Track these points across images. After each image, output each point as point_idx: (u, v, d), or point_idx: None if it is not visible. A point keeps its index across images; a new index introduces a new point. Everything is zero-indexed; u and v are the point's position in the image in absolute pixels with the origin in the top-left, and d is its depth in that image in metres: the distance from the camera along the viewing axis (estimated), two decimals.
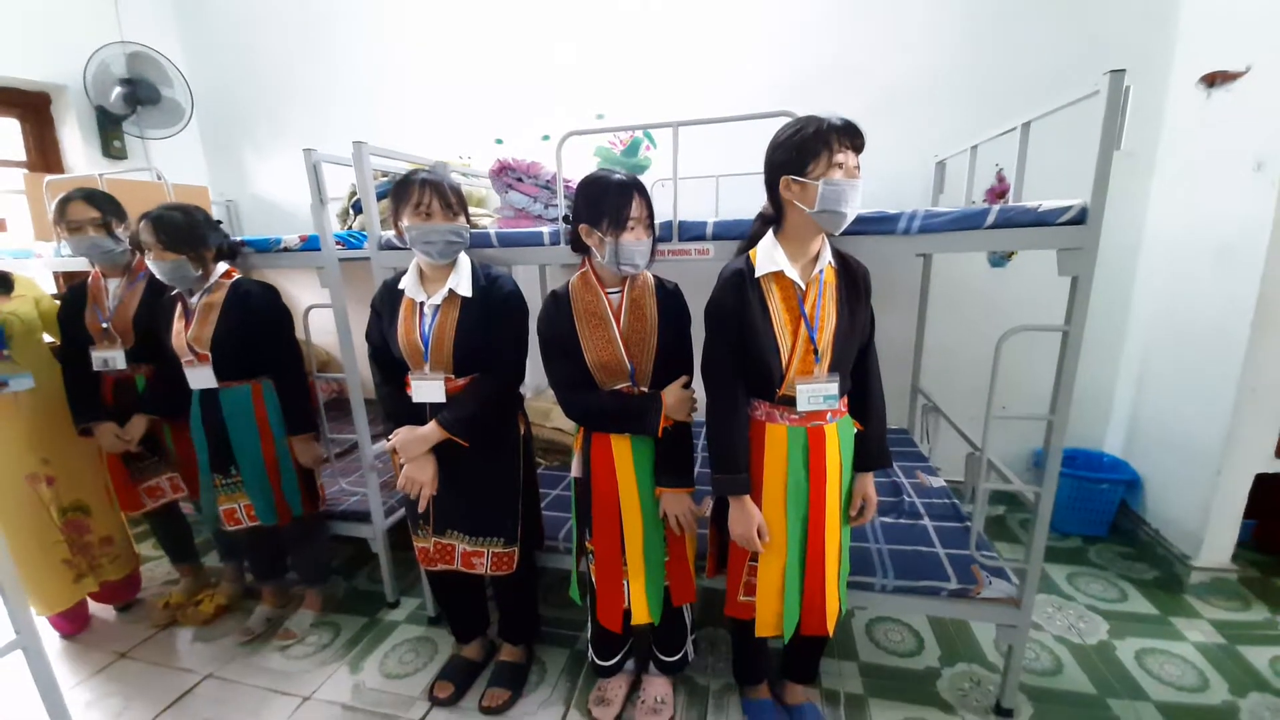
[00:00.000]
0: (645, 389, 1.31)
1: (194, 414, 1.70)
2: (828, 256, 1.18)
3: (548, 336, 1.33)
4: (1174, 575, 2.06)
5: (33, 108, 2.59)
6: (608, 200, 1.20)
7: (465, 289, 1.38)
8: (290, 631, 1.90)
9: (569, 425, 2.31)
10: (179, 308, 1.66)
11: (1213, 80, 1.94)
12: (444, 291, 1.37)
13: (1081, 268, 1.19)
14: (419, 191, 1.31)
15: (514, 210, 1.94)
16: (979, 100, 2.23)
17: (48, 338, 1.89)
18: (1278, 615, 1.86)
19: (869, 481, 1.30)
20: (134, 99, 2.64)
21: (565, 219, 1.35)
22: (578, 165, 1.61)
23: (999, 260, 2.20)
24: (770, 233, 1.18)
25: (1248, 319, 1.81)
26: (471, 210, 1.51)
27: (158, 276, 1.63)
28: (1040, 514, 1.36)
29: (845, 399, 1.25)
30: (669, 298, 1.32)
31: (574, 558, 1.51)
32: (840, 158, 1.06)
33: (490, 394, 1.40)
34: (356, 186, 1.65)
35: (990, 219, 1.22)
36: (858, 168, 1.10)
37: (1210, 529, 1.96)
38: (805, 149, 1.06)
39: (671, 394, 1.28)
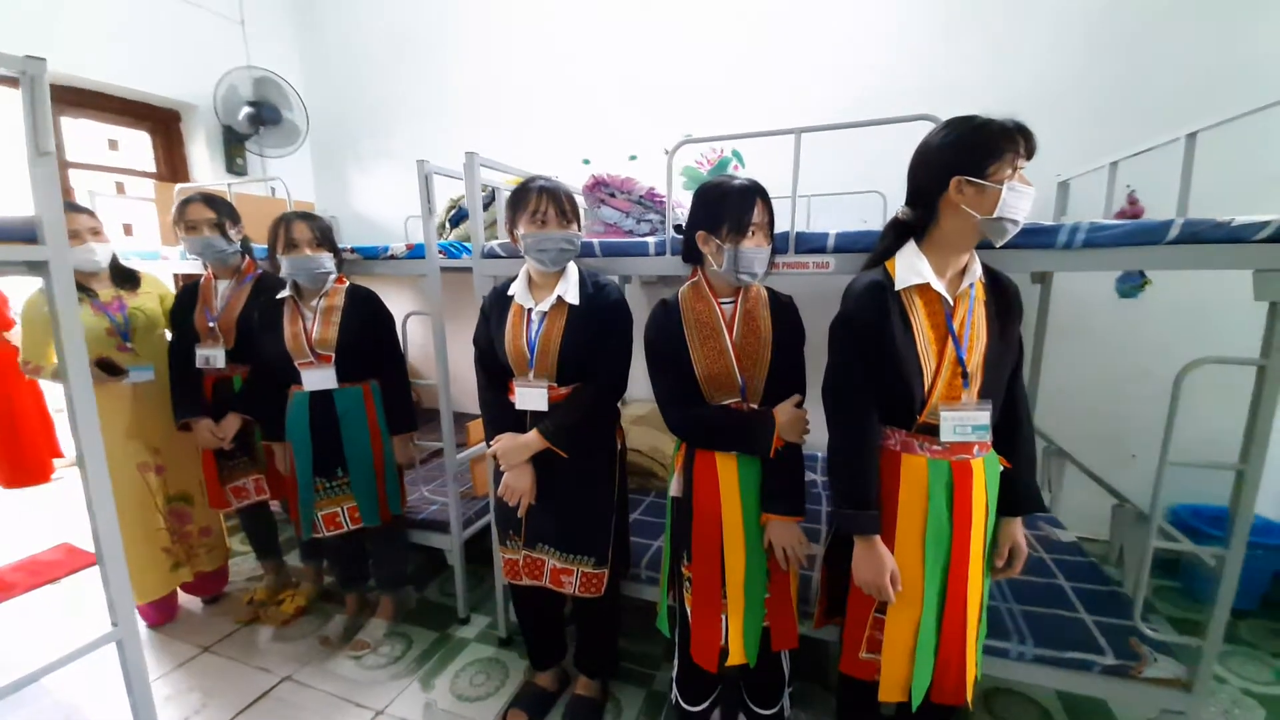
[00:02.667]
0: (755, 406, 1.22)
1: (297, 417, 1.71)
2: (978, 270, 1.06)
3: (656, 346, 1.27)
4: None
5: (163, 123, 2.83)
6: (729, 205, 1.14)
7: (573, 297, 1.35)
8: (364, 642, 1.88)
9: (646, 446, 2.23)
10: (290, 310, 1.71)
11: None
12: (552, 299, 1.35)
13: None
14: (536, 199, 1.30)
15: (604, 225, 1.92)
16: (1105, 116, 2.05)
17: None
18: None
19: (1018, 528, 1.14)
20: (258, 119, 2.85)
21: (678, 228, 1.30)
22: (661, 184, 1.55)
23: (1130, 290, 1.97)
24: (912, 243, 1.08)
25: None
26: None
27: (294, 274, 1.65)
28: (1225, 583, 1.16)
29: (991, 432, 1.11)
30: (783, 310, 1.24)
31: (663, 586, 1.40)
32: (1021, 162, 0.96)
33: (591, 404, 1.35)
34: (466, 196, 1.66)
35: (1174, 232, 1.06)
36: None
37: None
38: (989, 148, 0.96)
39: (785, 412, 1.19)
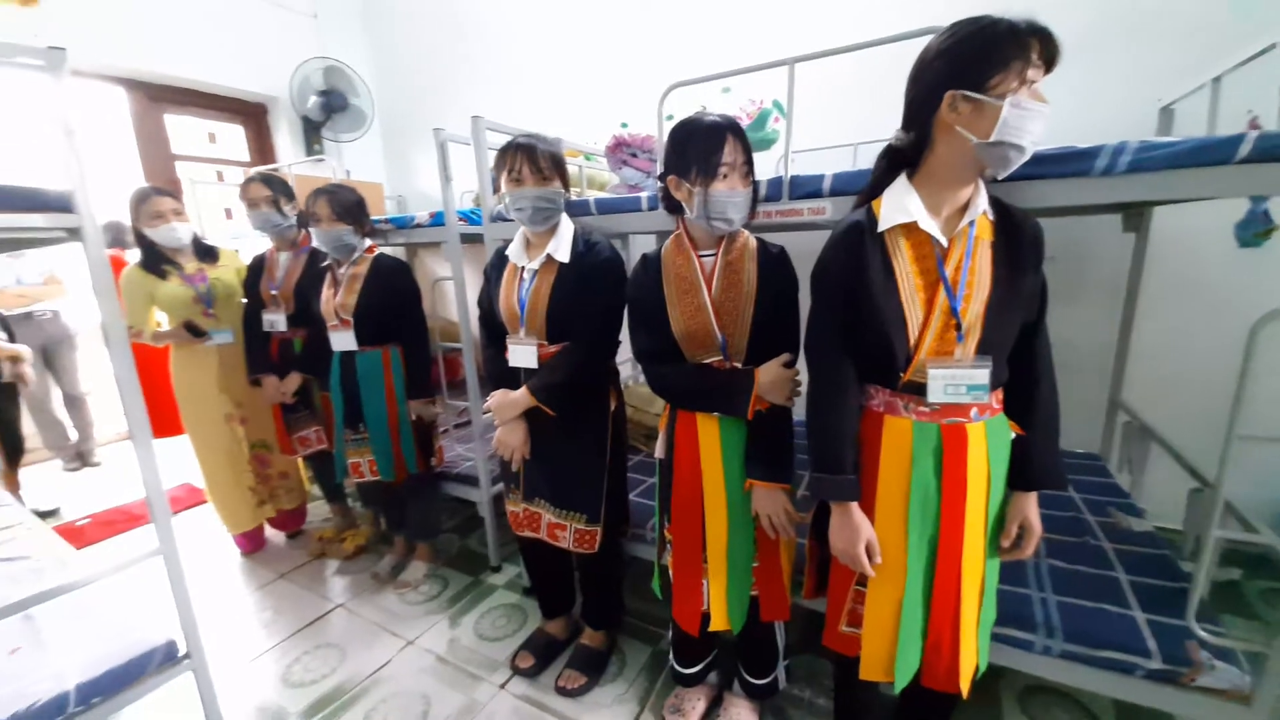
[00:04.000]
0: (739, 365, 1.15)
1: (333, 374, 1.90)
2: (982, 205, 0.91)
3: (634, 303, 1.23)
4: None
5: (253, 116, 3.16)
6: (696, 144, 1.06)
7: (563, 255, 1.34)
8: (406, 581, 2.06)
9: (658, 408, 2.20)
10: (329, 277, 1.87)
11: None
12: (542, 256, 1.35)
13: None
14: (512, 157, 1.29)
15: (627, 187, 1.89)
16: (1219, 29, 1.65)
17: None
18: None
19: (1031, 504, 0.99)
20: (328, 107, 3.10)
21: (660, 176, 1.23)
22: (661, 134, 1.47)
23: (1252, 239, 1.60)
24: (903, 176, 0.95)
25: None
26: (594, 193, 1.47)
27: (321, 245, 1.82)
28: None
29: (999, 393, 0.97)
30: (772, 261, 1.13)
31: (658, 548, 1.39)
32: (1033, 74, 0.80)
33: (577, 363, 1.34)
34: (475, 161, 1.70)
35: (1245, 150, 0.84)
36: None
37: None
38: (991, 54, 0.80)
39: (768, 372, 1.10)
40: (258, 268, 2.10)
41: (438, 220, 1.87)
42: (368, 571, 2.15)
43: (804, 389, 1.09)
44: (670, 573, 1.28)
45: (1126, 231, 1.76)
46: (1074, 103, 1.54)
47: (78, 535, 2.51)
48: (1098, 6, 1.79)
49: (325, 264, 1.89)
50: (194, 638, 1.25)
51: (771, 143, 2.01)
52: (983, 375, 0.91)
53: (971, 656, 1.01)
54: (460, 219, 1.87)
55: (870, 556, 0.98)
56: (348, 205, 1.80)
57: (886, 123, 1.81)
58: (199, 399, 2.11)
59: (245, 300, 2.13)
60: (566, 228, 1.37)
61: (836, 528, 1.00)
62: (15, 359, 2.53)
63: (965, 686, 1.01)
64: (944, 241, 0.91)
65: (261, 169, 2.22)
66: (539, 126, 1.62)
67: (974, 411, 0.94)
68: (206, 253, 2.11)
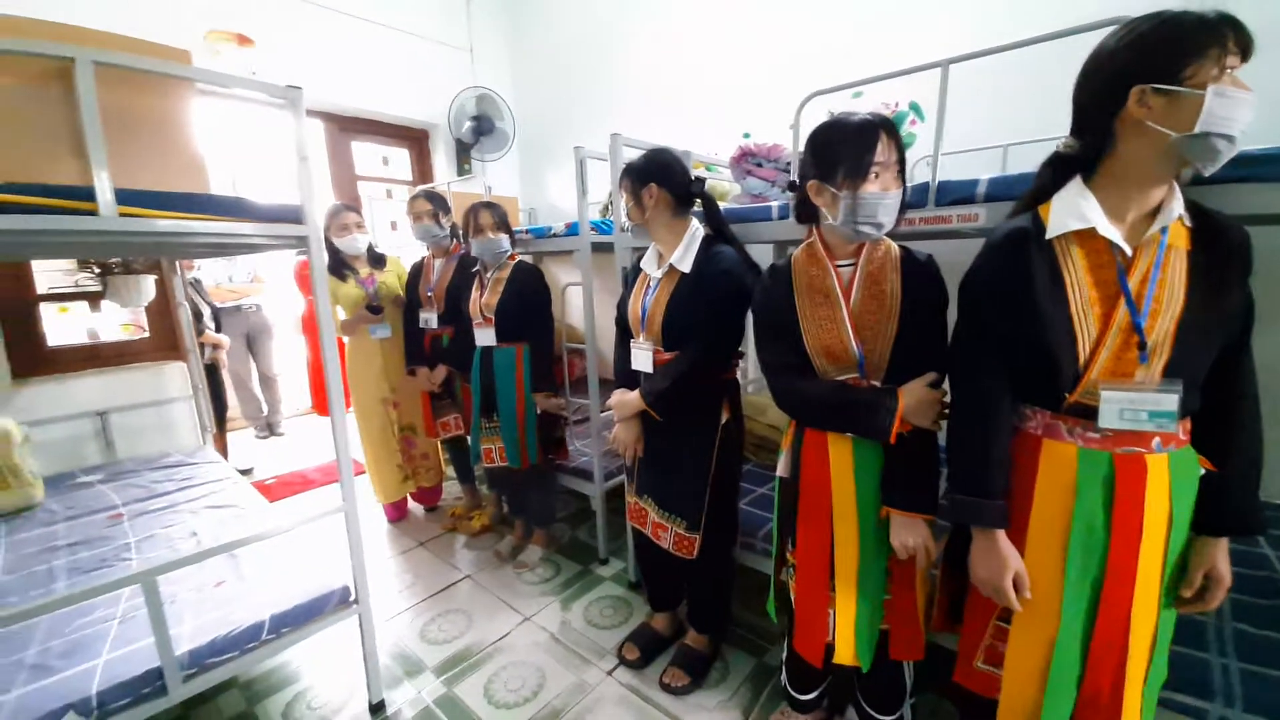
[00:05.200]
0: (878, 383, 1.08)
1: (474, 367, 2.12)
2: (1178, 209, 0.81)
3: (762, 314, 1.21)
4: None
5: (415, 140, 3.60)
6: (845, 144, 1.00)
7: (685, 265, 1.38)
8: (524, 562, 2.23)
9: (783, 423, 2.16)
10: (477, 280, 2.09)
11: None
12: (666, 265, 1.41)
13: None
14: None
15: (751, 197, 1.90)
16: None
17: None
18: None
19: (1220, 551, 0.86)
20: (478, 131, 3.45)
21: (791, 185, 1.22)
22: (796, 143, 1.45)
23: None
24: (1078, 179, 0.87)
25: None
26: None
27: (480, 253, 2.03)
28: None
29: (1187, 422, 0.85)
30: (919, 272, 1.06)
31: (773, 566, 1.35)
32: (1232, 61, 0.72)
33: (684, 371, 1.36)
34: (611, 175, 1.82)
35: None
36: None
37: None
38: (1184, 43, 0.73)
39: (913, 392, 1.03)
40: (416, 272, 2.41)
41: (573, 230, 2.03)
42: (490, 549, 2.35)
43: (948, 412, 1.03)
44: (792, 596, 1.25)
45: None
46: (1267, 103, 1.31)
47: (265, 492, 3.02)
48: None
49: (474, 269, 2.11)
50: (363, 586, 1.46)
51: (909, 146, 1.91)
52: (1170, 401, 0.81)
53: (1135, 716, 0.89)
54: (591, 229, 2.00)
55: (1018, 590, 0.90)
56: (504, 217, 2.02)
57: (1036, 123, 1.66)
58: (363, 384, 2.45)
59: (406, 300, 2.44)
60: (695, 236, 1.42)
61: (980, 556, 0.94)
62: (217, 345, 3.11)
63: None
64: (1128, 250, 0.82)
65: (424, 187, 2.54)
66: (665, 141, 1.70)
67: (1156, 441, 0.83)
68: (377, 260, 2.46)
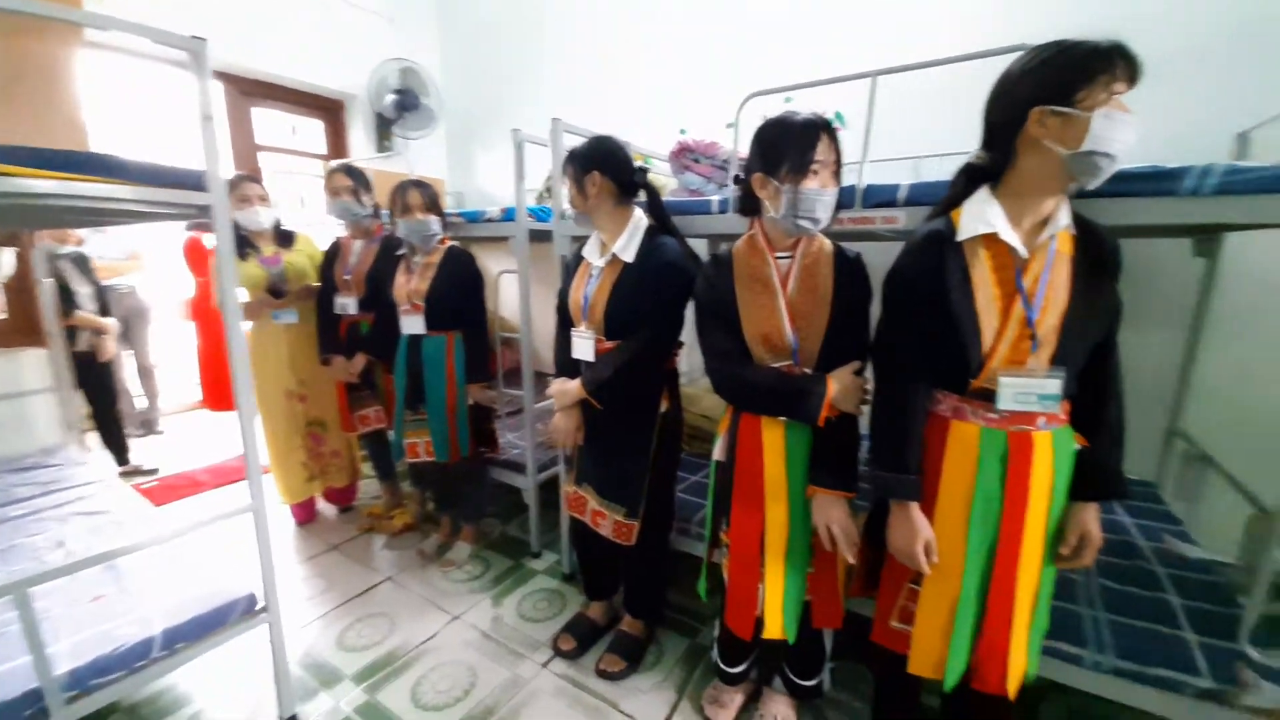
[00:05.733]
0: (810, 370, 1.15)
1: (399, 356, 2.00)
2: (1065, 220, 0.94)
3: (704, 301, 1.25)
4: None
5: (330, 111, 3.34)
6: (790, 140, 1.06)
7: (628, 255, 1.39)
8: (451, 560, 2.14)
9: (716, 413, 2.24)
10: (403, 264, 1.98)
11: None
12: (609, 255, 1.41)
13: None
14: None
15: (688, 191, 1.95)
16: None
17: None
18: None
19: (1092, 515, 1.01)
20: (401, 106, 3.25)
21: (736, 179, 1.27)
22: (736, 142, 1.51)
23: None
24: (985, 188, 0.98)
25: None
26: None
27: (407, 235, 1.91)
28: None
29: (1067, 404, 0.98)
30: (849, 267, 1.15)
31: (706, 549, 1.41)
32: (1118, 87, 0.83)
33: (627, 360, 1.37)
34: (551, 161, 1.78)
35: None
36: None
37: None
38: (1076, 70, 0.84)
39: (840, 379, 1.10)
40: (333, 253, 2.23)
41: (509, 216, 1.96)
42: (413, 549, 2.24)
43: (870, 396, 1.12)
44: (725, 575, 1.30)
45: (1197, 256, 1.74)
46: (1149, 127, 1.54)
47: (148, 497, 2.68)
48: (1175, 34, 1.77)
49: (400, 252, 2.00)
50: (272, 593, 1.34)
51: None
52: (1055, 386, 0.93)
53: (1021, 661, 1.03)
54: (528, 215, 1.95)
55: (928, 555, 1.00)
56: (434, 198, 1.92)
57: (946, 137, 1.82)
58: (265, 375, 2.24)
59: (320, 283, 2.26)
60: (639, 226, 1.43)
61: (896, 526, 1.03)
62: (99, 330, 2.72)
63: (1014, 689, 1.02)
64: (1024, 253, 0.93)
65: (341, 161, 2.35)
66: (601, 130, 1.70)
67: (1041, 420, 0.96)
68: (285, 238, 2.25)
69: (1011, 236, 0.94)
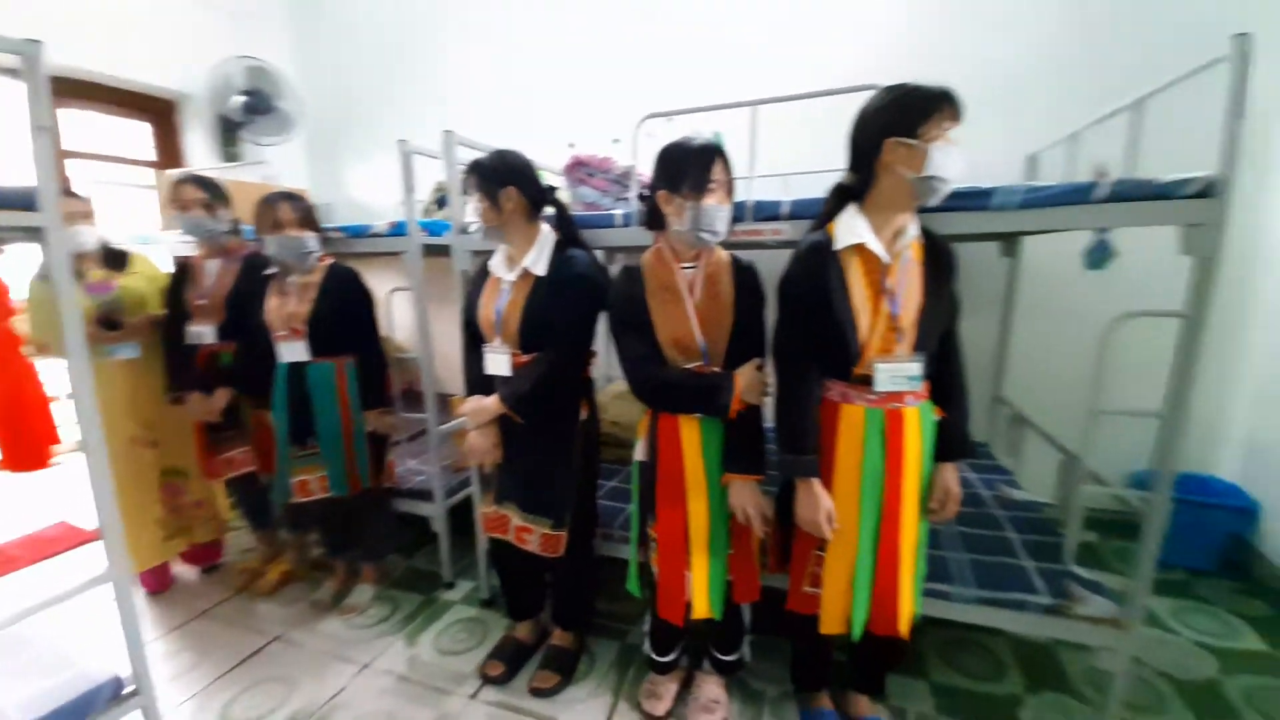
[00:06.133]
0: (718, 369, 1.26)
1: (277, 387, 1.80)
2: (914, 231, 1.13)
3: (619, 311, 1.31)
4: None
5: (160, 113, 2.90)
6: (689, 162, 1.18)
7: (540, 268, 1.40)
8: (352, 605, 1.96)
9: (626, 420, 2.30)
10: (275, 285, 1.78)
11: None
12: (519, 269, 1.41)
13: (1208, 246, 1.08)
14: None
15: (584, 205, 1.99)
16: (1076, 90, 2.08)
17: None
18: None
19: (952, 473, 1.21)
20: (251, 109, 2.92)
21: (641, 196, 1.35)
22: (643, 166, 1.60)
23: (1098, 262, 2.02)
24: (853, 205, 1.14)
25: None
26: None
27: (279, 254, 1.72)
28: (1151, 523, 1.23)
29: (927, 384, 1.18)
30: (745, 275, 1.27)
31: (633, 548, 1.46)
32: (948, 124, 1.02)
33: (546, 373, 1.38)
34: (446, 174, 1.73)
35: (1102, 192, 1.13)
36: None
37: None
38: (917, 109, 1.02)
39: (745, 375, 1.22)
40: (181, 275, 1.95)
41: (399, 230, 1.86)
42: (304, 601, 2.01)
43: (772, 389, 1.25)
44: (654, 569, 1.36)
45: (1003, 256, 2.16)
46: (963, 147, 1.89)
47: None
48: (976, 73, 2.19)
49: (269, 272, 1.80)
50: (142, 672, 1.15)
51: None
52: (917, 368, 1.12)
53: (909, 604, 1.20)
54: (422, 230, 1.87)
55: (830, 523, 1.14)
56: (309, 212, 1.76)
57: (813, 155, 2.05)
58: (103, 421, 1.89)
59: (166, 310, 1.96)
60: (547, 240, 1.44)
61: (802, 501, 1.16)
62: None
63: (905, 629, 1.19)
64: (887, 259, 1.11)
65: (185, 170, 2.07)
66: (474, 133, 1.69)
67: (909, 398, 1.14)
68: (115, 259, 1.93)
69: (876, 245, 1.11)
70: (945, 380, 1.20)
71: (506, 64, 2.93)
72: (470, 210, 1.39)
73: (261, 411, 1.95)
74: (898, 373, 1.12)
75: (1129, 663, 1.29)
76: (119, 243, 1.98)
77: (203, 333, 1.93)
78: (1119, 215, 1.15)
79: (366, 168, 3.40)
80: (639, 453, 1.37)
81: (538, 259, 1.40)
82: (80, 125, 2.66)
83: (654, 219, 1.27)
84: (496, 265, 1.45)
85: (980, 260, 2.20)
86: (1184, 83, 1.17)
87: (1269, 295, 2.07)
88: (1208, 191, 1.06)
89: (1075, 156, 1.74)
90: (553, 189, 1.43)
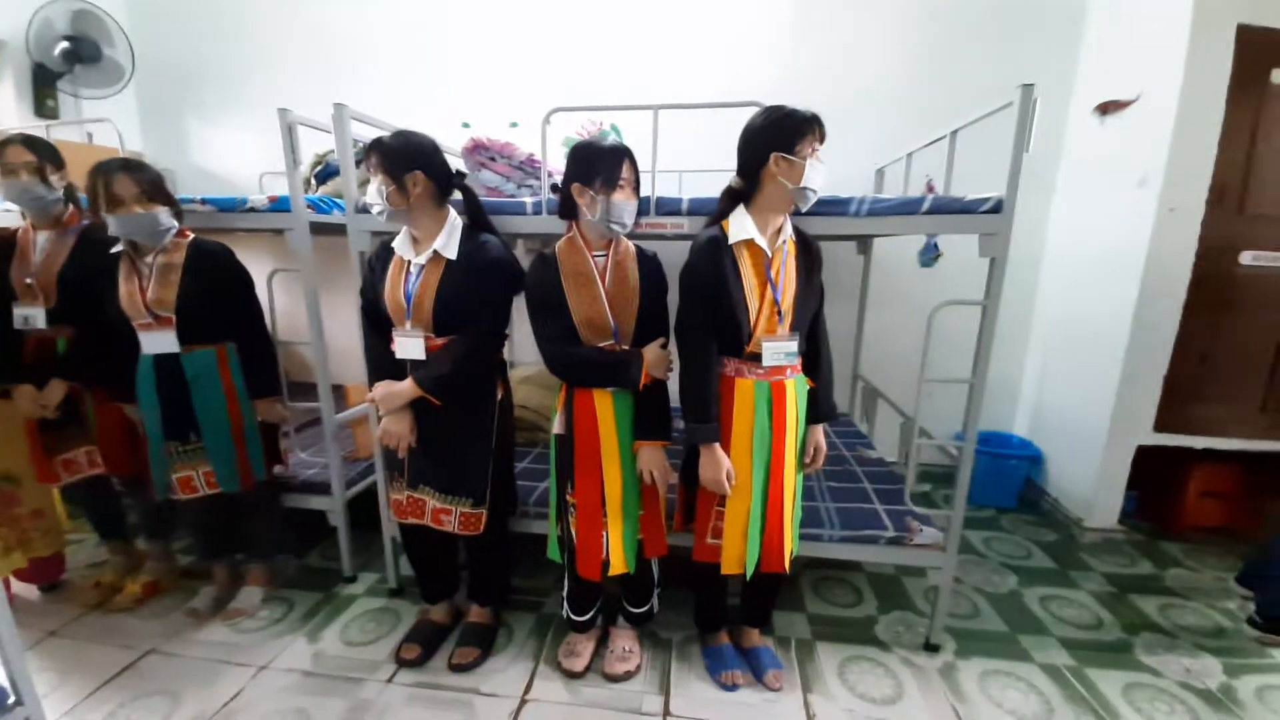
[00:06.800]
0: (627, 347, 1.39)
1: (143, 380, 1.63)
2: (789, 230, 1.33)
3: (536, 295, 1.39)
4: (1070, 536, 2.37)
5: None
6: (601, 161, 1.30)
7: (450, 251, 1.41)
8: (239, 609, 1.83)
9: (533, 403, 2.36)
10: (125, 267, 1.59)
11: (1106, 109, 2.29)
12: (429, 252, 1.41)
13: (998, 250, 1.40)
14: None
15: (486, 189, 1.99)
16: (915, 116, 2.49)
17: None
18: (1164, 571, 2.16)
19: (819, 433, 1.45)
20: (74, 56, 2.48)
21: (554, 187, 1.43)
22: (540, 151, 1.65)
23: (928, 261, 2.46)
24: (741, 206, 1.32)
25: (1129, 314, 2.15)
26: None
27: (128, 232, 1.53)
28: (962, 467, 1.57)
29: (801, 359, 1.40)
30: (649, 264, 1.42)
31: (552, 518, 1.56)
32: (816, 144, 1.22)
33: (464, 355, 1.41)
34: (336, 150, 1.65)
35: (926, 205, 1.42)
36: None
37: (1100, 494, 2.28)
38: (796, 130, 1.20)
39: (651, 351, 1.38)
40: (5, 250, 1.66)
41: (281, 205, 1.74)
42: (178, 610, 1.84)
43: (675, 366, 1.40)
44: (574, 532, 1.46)
45: (859, 254, 2.53)
46: (828, 159, 2.18)
47: None
48: (842, 87, 2.52)
49: (116, 250, 1.60)
50: (24, 682, 1.03)
51: None
52: (794, 345, 1.33)
53: (790, 544, 1.43)
54: (308, 207, 1.76)
55: (729, 480, 1.33)
56: (157, 183, 1.57)
57: (702, 155, 2.23)
58: None
59: None
60: (455, 224, 1.45)
61: (706, 463, 1.33)
62: None
63: (787, 565, 1.42)
64: (769, 253, 1.30)
65: (20, 130, 1.74)
66: (389, 119, 1.65)
67: (789, 371, 1.35)
68: None
69: (762, 241, 1.29)
70: (814, 354, 1.43)
71: (399, 33, 2.78)
72: (371, 191, 1.36)
73: (112, 405, 1.75)
74: (780, 350, 1.32)
75: (951, 580, 1.64)
76: None
77: (31, 316, 1.67)
78: (937, 224, 1.45)
79: (219, 132, 3.03)
80: (557, 426, 1.46)
81: (447, 242, 1.42)
82: None
83: (566, 209, 1.38)
84: (402, 247, 1.43)
85: (841, 257, 2.56)
86: (991, 116, 1.48)
87: (1048, 287, 2.65)
88: (998, 208, 1.38)
89: (910, 172, 2.09)
90: (461, 174, 1.44)
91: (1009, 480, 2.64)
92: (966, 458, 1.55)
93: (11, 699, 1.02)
